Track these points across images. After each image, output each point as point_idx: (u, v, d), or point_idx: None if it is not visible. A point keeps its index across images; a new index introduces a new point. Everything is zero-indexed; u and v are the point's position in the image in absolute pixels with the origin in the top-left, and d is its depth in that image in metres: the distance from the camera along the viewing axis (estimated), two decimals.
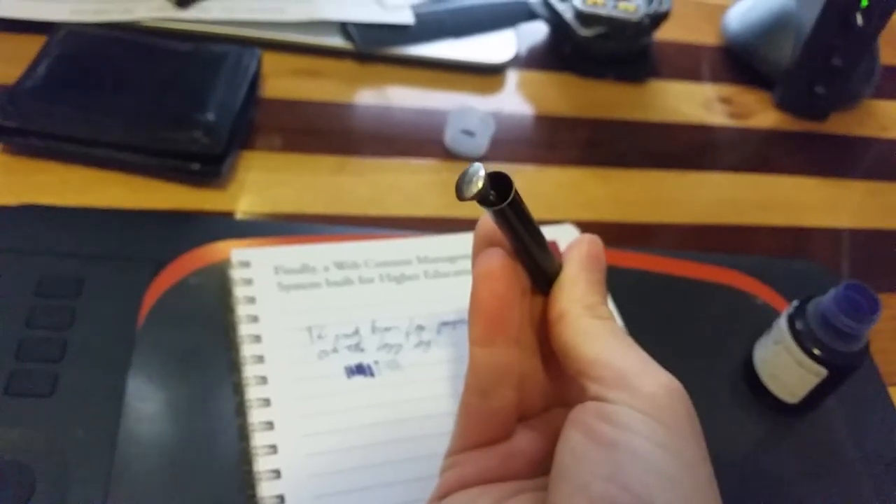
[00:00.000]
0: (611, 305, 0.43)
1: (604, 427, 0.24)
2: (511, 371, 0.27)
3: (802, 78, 0.65)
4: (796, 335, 0.42)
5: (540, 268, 0.28)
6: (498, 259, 0.26)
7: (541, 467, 0.28)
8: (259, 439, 0.36)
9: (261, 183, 0.51)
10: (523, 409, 0.29)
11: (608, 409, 0.24)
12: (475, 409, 0.28)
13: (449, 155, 0.56)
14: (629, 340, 0.27)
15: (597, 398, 0.25)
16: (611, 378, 0.25)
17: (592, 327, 0.27)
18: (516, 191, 0.23)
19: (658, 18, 0.64)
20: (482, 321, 0.26)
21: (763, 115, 0.66)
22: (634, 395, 0.24)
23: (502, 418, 0.28)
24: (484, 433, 0.28)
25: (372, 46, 0.60)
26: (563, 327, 0.27)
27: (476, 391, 0.27)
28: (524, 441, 0.29)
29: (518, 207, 0.24)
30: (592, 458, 0.23)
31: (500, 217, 0.24)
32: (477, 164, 0.23)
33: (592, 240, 0.29)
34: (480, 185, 0.22)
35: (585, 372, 0.26)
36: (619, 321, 0.37)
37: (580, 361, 0.26)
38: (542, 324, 0.29)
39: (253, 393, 0.38)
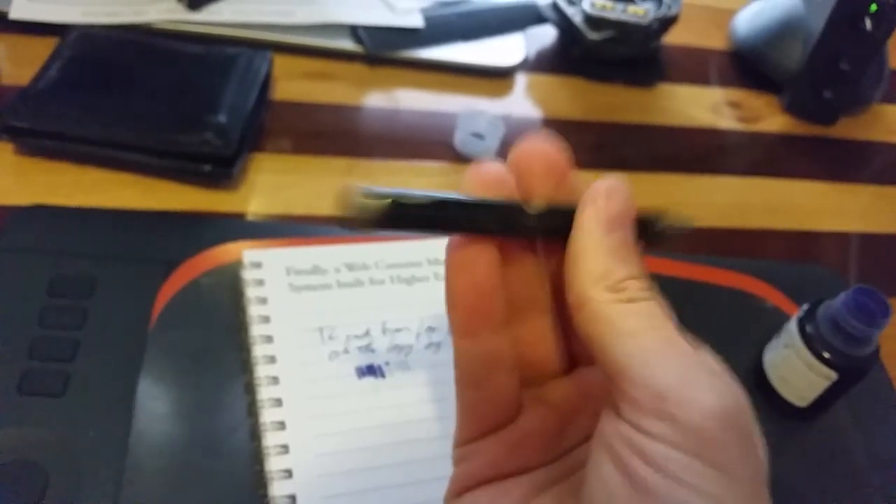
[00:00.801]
0: None
1: (640, 466, 0.20)
2: (501, 357, 0.24)
3: (811, 82, 0.65)
4: (806, 339, 0.42)
5: (523, 227, 0.24)
6: (465, 245, 0.23)
7: (557, 446, 0.26)
8: (271, 439, 0.36)
9: (271, 185, 0.51)
10: (533, 375, 0.26)
11: (645, 445, 0.20)
12: (471, 401, 0.25)
13: (458, 157, 0.56)
14: (670, 332, 0.22)
15: (631, 424, 0.21)
16: (647, 402, 0.20)
17: (622, 318, 0.22)
18: (396, 202, 0.22)
19: (667, 22, 0.64)
20: (461, 313, 0.24)
21: (771, 119, 0.66)
22: (677, 428, 0.20)
23: (503, 405, 0.25)
24: (486, 422, 0.26)
25: (382, 49, 0.60)
26: (584, 318, 0.22)
27: (467, 384, 0.25)
28: (534, 420, 0.26)
29: (407, 211, 0.22)
30: (626, 503, 0.20)
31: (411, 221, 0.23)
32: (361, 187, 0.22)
33: (611, 188, 0.23)
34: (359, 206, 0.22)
35: (616, 384, 0.21)
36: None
37: (609, 368, 0.22)
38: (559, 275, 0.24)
39: (265, 393, 0.38)
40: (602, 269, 0.22)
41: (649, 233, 0.24)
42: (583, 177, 0.25)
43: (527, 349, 0.25)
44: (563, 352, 0.26)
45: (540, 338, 0.26)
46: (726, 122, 0.65)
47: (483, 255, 0.23)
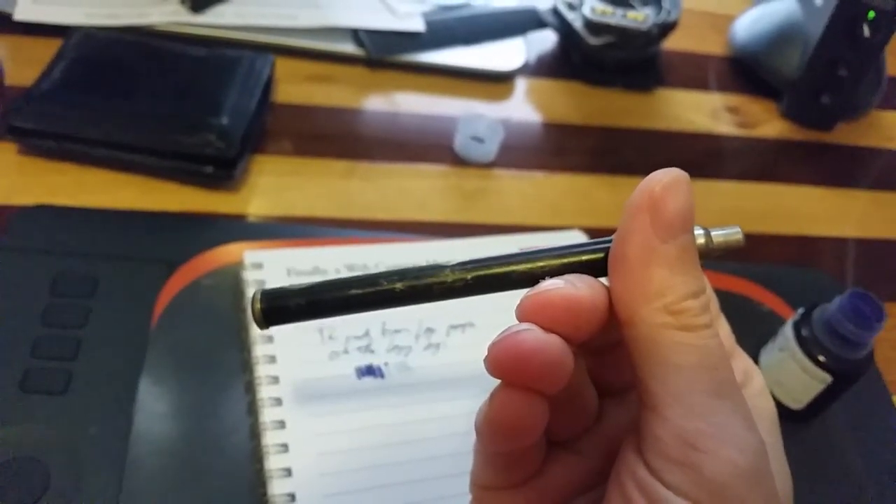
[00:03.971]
0: None
1: None
2: (536, 428, 0.21)
3: (809, 88, 0.65)
4: (801, 342, 0.42)
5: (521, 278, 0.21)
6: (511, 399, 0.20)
7: (582, 489, 0.24)
8: (270, 438, 0.37)
9: (273, 186, 0.51)
10: (564, 434, 0.24)
11: (659, 495, 0.19)
12: (494, 458, 0.23)
13: (458, 161, 0.56)
14: (720, 372, 0.19)
15: (649, 467, 0.19)
16: (673, 447, 0.19)
17: (671, 349, 0.19)
18: (269, 304, 0.21)
19: (666, 28, 0.65)
20: (500, 441, 0.21)
21: (770, 124, 0.67)
22: (700, 482, 0.18)
23: (530, 464, 0.23)
24: (510, 478, 0.23)
25: (383, 53, 0.61)
26: (633, 338, 0.20)
27: (491, 443, 0.21)
28: (562, 471, 0.23)
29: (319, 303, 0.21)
30: None
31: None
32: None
33: (669, 183, 0.20)
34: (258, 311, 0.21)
35: (646, 417, 0.20)
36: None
37: (644, 396, 0.20)
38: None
39: (264, 392, 0.38)
40: (657, 285, 0.19)
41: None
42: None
43: (560, 415, 0.22)
44: (593, 398, 0.24)
45: (573, 398, 0.23)
46: (725, 127, 0.66)
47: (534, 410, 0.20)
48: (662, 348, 0.19)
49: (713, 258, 0.22)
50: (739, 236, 0.22)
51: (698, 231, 0.21)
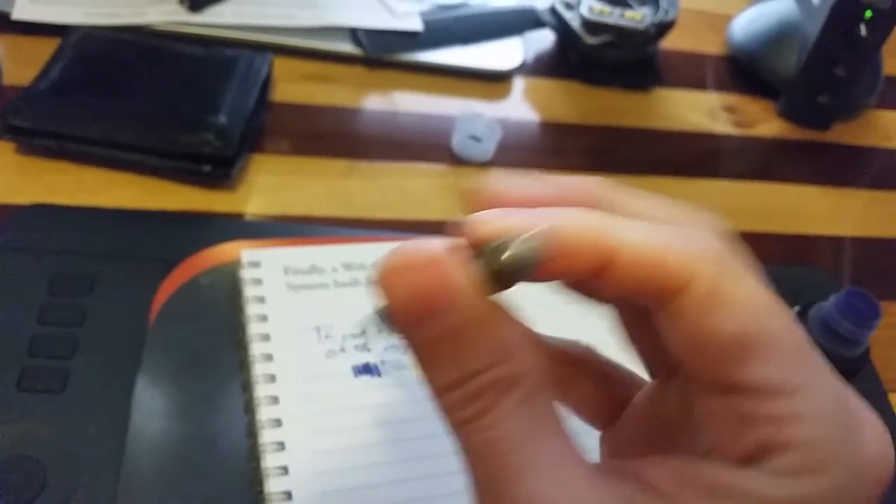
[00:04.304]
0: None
1: None
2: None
3: (806, 87, 0.65)
4: None
5: None
6: None
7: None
8: (267, 436, 0.37)
9: (270, 185, 0.51)
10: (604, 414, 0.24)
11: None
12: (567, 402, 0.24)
13: (456, 160, 0.56)
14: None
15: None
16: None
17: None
18: None
19: (664, 27, 0.65)
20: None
21: (767, 123, 0.67)
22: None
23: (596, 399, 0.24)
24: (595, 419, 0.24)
25: (381, 52, 0.61)
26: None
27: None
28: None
29: None
30: None
31: None
32: None
33: (385, 272, 0.18)
34: None
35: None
36: None
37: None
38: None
39: (261, 391, 0.38)
40: (426, 383, 0.19)
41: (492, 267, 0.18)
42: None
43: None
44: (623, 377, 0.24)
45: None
46: (722, 126, 0.66)
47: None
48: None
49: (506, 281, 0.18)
50: (527, 252, 0.18)
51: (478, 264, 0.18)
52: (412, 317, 0.18)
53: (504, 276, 0.18)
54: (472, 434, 0.18)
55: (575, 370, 0.24)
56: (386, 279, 0.18)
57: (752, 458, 0.18)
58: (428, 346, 0.18)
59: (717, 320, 0.18)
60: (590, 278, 0.18)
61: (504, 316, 0.18)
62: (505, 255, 0.18)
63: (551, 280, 0.19)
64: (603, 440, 0.25)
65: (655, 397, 0.23)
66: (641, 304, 0.19)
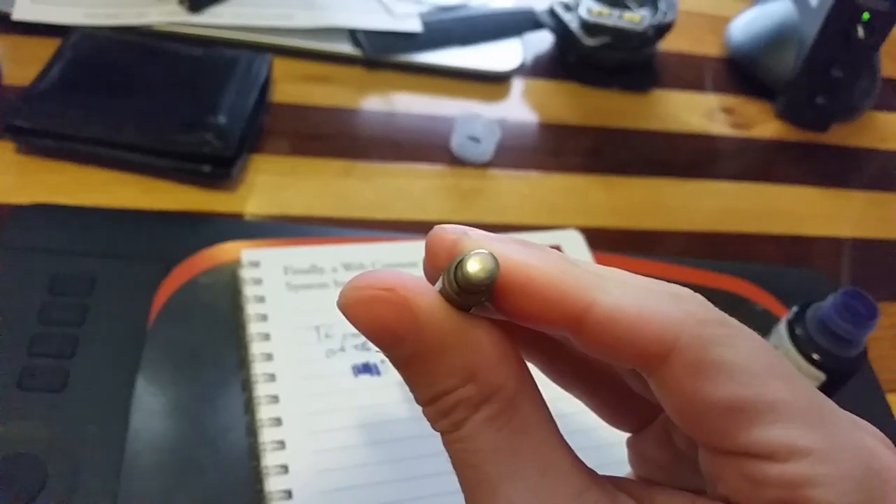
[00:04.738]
0: None
1: None
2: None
3: (804, 89, 0.66)
4: (795, 340, 0.42)
5: None
6: None
7: None
8: (267, 435, 0.37)
9: (270, 185, 0.51)
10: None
11: None
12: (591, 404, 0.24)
13: (455, 161, 0.56)
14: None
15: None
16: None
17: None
18: None
19: (662, 29, 0.65)
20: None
21: (764, 125, 0.67)
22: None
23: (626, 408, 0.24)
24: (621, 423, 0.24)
25: (380, 53, 0.61)
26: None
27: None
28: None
29: None
30: None
31: None
32: None
33: (351, 300, 0.18)
34: None
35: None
36: None
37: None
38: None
39: (261, 390, 0.39)
40: (416, 395, 0.19)
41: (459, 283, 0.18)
42: None
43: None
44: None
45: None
46: (720, 127, 0.66)
47: None
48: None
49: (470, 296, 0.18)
50: (482, 269, 0.18)
51: (438, 286, 0.19)
52: (379, 343, 0.19)
53: (465, 292, 0.18)
54: (450, 445, 0.19)
55: (598, 372, 0.24)
56: (349, 309, 0.18)
57: None
58: (400, 366, 0.19)
59: (710, 387, 0.17)
60: (567, 331, 0.18)
61: (470, 336, 0.18)
62: (462, 270, 0.18)
63: (529, 321, 0.19)
64: (628, 445, 0.25)
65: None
66: (629, 368, 0.19)
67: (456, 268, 0.18)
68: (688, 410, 0.18)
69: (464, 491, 0.19)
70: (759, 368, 0.17)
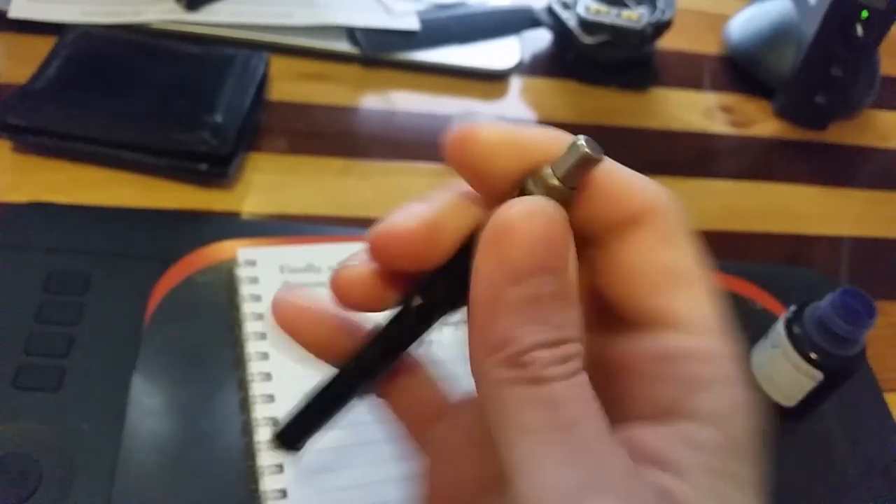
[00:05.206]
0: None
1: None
2: None
3: (803, 87, 0.65)
4: (793, 339, 0.42)
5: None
6: None
7: None
8: (263, 434, 0.37)
9: (267, 184, 0.51)
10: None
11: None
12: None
13: None
14: (579, 432, 0.16)
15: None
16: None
17: (517, 407, 0.16)
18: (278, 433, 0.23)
19: (661, 27, 0.65)
20: None
21: (763, 123, 0.67)
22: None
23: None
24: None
25: (378, 52, 0.61)
26: (480, 398, 0.18)
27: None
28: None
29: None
30: None
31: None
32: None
33: (523, 214, 0.17)
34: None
35: (507, 488, 0.16)
36: None
37: (503, 468, 0.17)
38: None
39: (257, 389, 0.38)
40: (499, 335, 0.17)
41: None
42: None
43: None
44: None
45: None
46: (719, 126, 0.66)
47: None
48: (504, 408, 0.16)
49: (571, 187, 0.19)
50: (582, 150, 0.19)
51: (546, 170, 0.19)
52: (530, 266, 0.17)
53: (576, 175, 0.19)
54: (558, 391, 0.17)
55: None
56: (520, 221, 0.17)
57: (663, 418, 0.18)
58: (536, 296, 0.17)
59: (670, 253, 0.19)
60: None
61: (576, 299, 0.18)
62: (580, 152, 0.19)
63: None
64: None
65: None
66: (602, 234, 0.19)
67: (566, 154, 0.19)
68: (636, 270, 0.19)
69: (508, 454, 0.17)
70: (700, 271, 0.20)
